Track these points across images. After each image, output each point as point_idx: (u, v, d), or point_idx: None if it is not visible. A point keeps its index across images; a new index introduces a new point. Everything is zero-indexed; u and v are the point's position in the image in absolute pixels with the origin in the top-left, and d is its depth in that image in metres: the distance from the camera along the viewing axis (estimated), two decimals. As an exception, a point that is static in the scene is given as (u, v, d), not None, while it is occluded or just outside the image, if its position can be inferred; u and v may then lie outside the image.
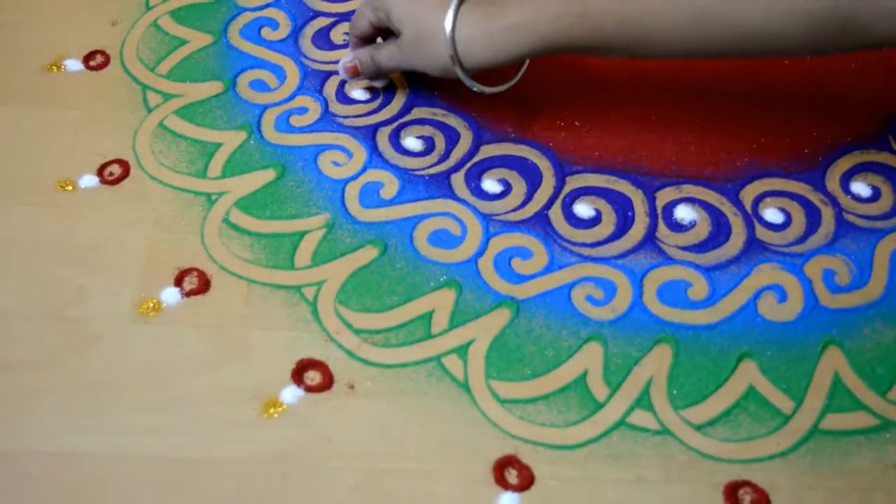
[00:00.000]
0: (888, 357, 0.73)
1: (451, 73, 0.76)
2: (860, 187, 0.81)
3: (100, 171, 0.83)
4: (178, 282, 0.77)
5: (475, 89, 0.78)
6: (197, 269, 0.78)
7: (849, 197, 0.81)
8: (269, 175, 0.82)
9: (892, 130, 0.84)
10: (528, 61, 0.82)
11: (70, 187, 0.82)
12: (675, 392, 0.72)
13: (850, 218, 0.79)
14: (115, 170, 0.83)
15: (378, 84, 0.86)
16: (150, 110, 0.86)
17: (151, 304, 0.76)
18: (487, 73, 0.79)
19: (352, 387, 0.73)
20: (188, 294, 0.77)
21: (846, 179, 0.81)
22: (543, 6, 0.71)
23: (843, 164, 0.82)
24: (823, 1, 0.64)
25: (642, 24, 0.69)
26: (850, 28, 0.65)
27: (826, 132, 0.83)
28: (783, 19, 0.66)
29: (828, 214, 0.80)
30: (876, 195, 0.81)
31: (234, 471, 0.69)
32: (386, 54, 0.80)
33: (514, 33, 0.72)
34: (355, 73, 0.84)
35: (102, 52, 0.91)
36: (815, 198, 0.80)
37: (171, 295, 0.77)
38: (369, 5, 0.78)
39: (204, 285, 0.77)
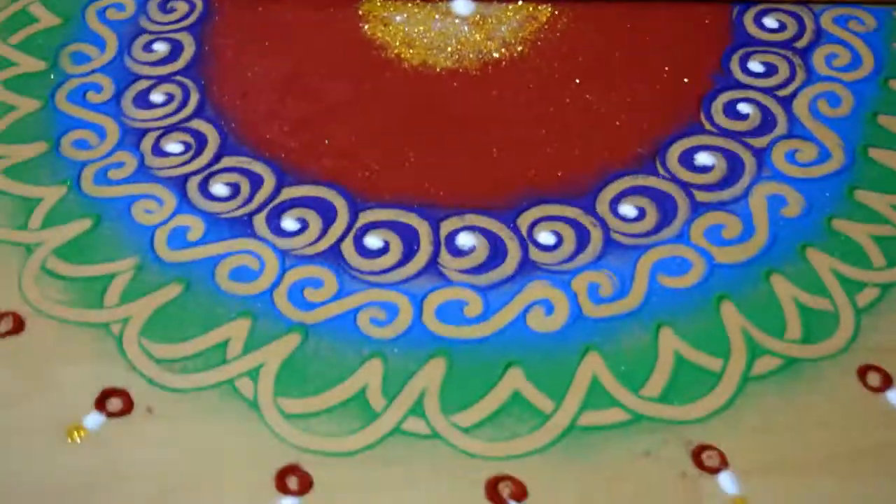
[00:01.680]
0: (642, 359, 0.81)
1: None
2: (627, 209, 0.89)
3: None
4: (-7, 325, 0.84)
5: None
6: (13, 313, 0.84)
7: (616, 218, 0.88)
8: (85, 224, 0.89)
9: (660, 156, 0.92)
10: None
11: None
12: (446, 399, 0.79)
13: (616, 236, 0.87)
14: (-59, 228, 0.90)
15: None
16: (-23, 173, 0.93)
17: (-33, 346, 0.83)
18: None
19: (150, 410, 0.79)
20: (3, 335, 0.83)
21: (615, 202, 0.89)
22: None
23: (614, 188, 0.90)
24: None
25: None
26: None
27: (599, 161, 0.91)
28: None
29: (596, 235, 0.87)
30: (641, 215, 0.88)
31: (39, 495, 0.76)
32: None
33: None
34: None
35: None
36: (585, 220, 0.88)
37: (-15, 337, 0.83)
38: None
39: (18, 326, 0.84)
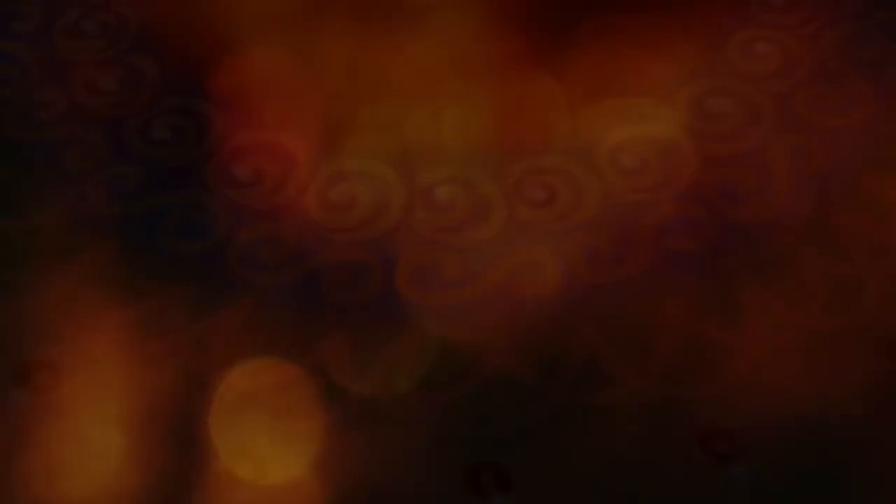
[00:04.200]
0: (645, 330, 0.69)
1: None
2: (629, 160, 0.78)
3: None
4: None
5: None
6: None
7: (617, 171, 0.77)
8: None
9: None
10: None
11: None
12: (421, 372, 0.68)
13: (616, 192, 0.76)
14: None
15: None
16: None
17: None
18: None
19: None
20: None
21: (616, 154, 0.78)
22: None
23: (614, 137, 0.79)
24: None
25: None
26: None
27: (600, 108, 0.80)
28: None
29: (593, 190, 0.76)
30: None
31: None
32: None
33: None
34: None
35: None
36: (581, 174, 0.77)
37: None
38: None
39: None
